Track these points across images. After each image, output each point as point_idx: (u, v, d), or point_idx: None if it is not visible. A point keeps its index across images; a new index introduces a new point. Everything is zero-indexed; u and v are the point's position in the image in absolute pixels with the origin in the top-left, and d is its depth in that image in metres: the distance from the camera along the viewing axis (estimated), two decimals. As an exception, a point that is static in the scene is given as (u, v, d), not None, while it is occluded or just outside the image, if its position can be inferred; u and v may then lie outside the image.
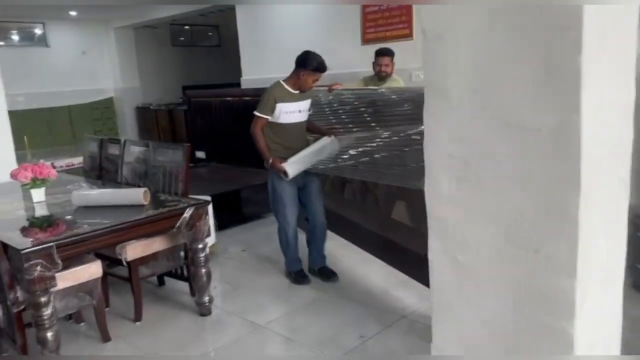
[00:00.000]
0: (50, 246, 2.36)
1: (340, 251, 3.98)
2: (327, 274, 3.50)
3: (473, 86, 1.50)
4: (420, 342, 2.64)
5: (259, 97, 3.30)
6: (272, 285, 3.53)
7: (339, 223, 3.95)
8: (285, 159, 3.24)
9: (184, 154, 3.29)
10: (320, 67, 3.20)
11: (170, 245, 3.17)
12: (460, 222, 1.62)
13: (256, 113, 3.26)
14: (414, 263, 3.07)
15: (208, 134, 6.69)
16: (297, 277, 3.50)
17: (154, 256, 3.10)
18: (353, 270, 3.64)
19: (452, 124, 1.58)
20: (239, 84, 7.12)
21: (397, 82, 4.20)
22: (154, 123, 9.40)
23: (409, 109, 2.99)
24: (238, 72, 6.99)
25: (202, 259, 3.04)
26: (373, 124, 3.25)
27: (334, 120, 3.71)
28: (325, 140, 3.38)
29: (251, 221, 4.92)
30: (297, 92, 3.29)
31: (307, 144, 3.45)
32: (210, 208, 3.03)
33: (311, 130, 3.54)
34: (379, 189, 3.32)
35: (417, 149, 2.81)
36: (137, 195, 2.98)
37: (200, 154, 6.52)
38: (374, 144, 3.19)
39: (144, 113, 9.70)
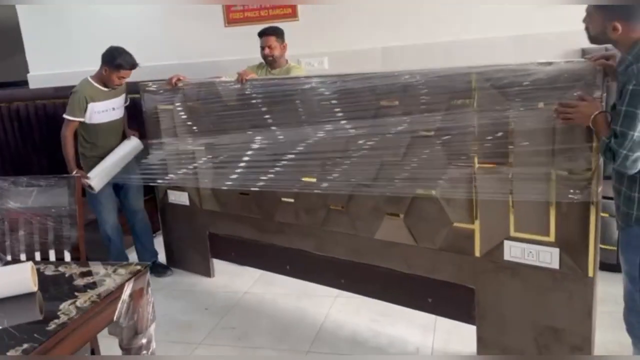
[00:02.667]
0: None
1: (272, 289, 3.08)
2: (160, 270, 3.43)
3: None
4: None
5: (61, 99, 3.04)
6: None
7: (268, 254, 3.01)
8: (100, 159, 3.13)
9: (72, 190, 1.97)
10: (124, 64, 3.01)
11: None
12: None
13: (66, 117, 3.10)
14: (422, 289, 2.45)
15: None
16: None
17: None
18: (307, 312, 2.81)
19: None
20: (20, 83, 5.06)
21: (299, 70, 3.41)
22: None
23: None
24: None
25: (147, 360, 1.84)
26: (338, 116, 2.47)
27: (259, 117, 2.77)
28: (126, 144, 3.23)
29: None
30: (108, 89, 3.13)
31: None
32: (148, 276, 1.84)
33: None
34: (349, 205, 2.56)
35: (421, 149, 2.24)
36: (23, 277, 1.60)
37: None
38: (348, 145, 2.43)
39: None
